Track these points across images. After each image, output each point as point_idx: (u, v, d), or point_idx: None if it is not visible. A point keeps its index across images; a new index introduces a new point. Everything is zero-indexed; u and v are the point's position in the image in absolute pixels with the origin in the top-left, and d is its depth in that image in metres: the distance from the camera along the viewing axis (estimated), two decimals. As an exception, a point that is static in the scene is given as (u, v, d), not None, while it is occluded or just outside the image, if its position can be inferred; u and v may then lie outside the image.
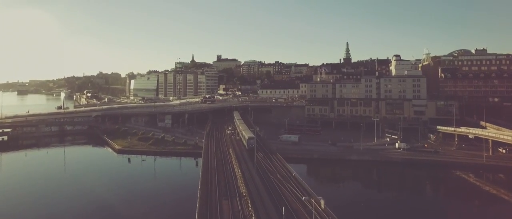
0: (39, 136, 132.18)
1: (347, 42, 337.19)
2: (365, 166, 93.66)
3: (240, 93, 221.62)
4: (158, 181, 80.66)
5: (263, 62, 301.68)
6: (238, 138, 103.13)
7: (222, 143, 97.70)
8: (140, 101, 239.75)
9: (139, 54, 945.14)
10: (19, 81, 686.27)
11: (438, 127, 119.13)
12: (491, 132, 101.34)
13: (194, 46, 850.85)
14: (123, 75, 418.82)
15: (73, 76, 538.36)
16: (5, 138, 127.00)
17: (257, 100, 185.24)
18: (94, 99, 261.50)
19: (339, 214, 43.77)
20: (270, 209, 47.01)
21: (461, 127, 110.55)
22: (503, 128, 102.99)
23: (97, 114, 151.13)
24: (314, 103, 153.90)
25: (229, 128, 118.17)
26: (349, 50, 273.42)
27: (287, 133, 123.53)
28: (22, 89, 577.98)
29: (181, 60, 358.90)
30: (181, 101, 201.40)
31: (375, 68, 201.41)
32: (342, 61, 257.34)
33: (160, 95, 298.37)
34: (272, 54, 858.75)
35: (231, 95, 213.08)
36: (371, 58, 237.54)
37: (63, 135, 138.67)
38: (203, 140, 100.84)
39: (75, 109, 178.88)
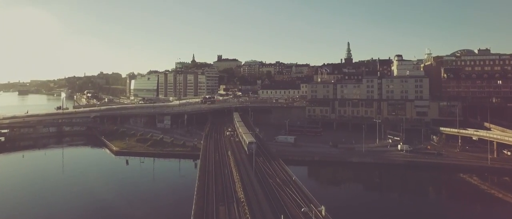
0: (37, 137, 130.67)
1: (348, 42, 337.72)
2: (367, 168, 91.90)
3: (240, 93, 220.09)
4: (156, 183, 79.37)
5: (264, 62, 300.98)
6: (237, 139, 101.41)
7: (221, 145, 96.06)
8: (140, 102, 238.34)
9: (140, 54, 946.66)
10: (20, 82, 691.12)
11: (441, 128, 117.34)
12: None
13: (195, 46, 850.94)
14: (123, 76, 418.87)
15: (74, 76, 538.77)
16: (2, 139, 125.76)
17: (257, 101, 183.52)
18: (94, 100, 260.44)
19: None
20: (269, 216, 45.34)
21: (465, 128, 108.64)
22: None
23: (96, 114, 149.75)
24: (315, 104, 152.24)
25: (229, 129, 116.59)
26: (350, 50, 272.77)
27: (287, 134, 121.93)
28: (23, 90, 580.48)
29: (181, 60, 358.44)
30: (181, 101, 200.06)
31: (377, 69, 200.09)
32: (343, 61, 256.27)
33: (160, 96, 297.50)
34: (273, 54, 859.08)
35: (231, 96, 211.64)
36: (372, 58, 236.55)
37: (61, 136, 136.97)
38: (202, 142, 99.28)
39: (74, 110, 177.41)
